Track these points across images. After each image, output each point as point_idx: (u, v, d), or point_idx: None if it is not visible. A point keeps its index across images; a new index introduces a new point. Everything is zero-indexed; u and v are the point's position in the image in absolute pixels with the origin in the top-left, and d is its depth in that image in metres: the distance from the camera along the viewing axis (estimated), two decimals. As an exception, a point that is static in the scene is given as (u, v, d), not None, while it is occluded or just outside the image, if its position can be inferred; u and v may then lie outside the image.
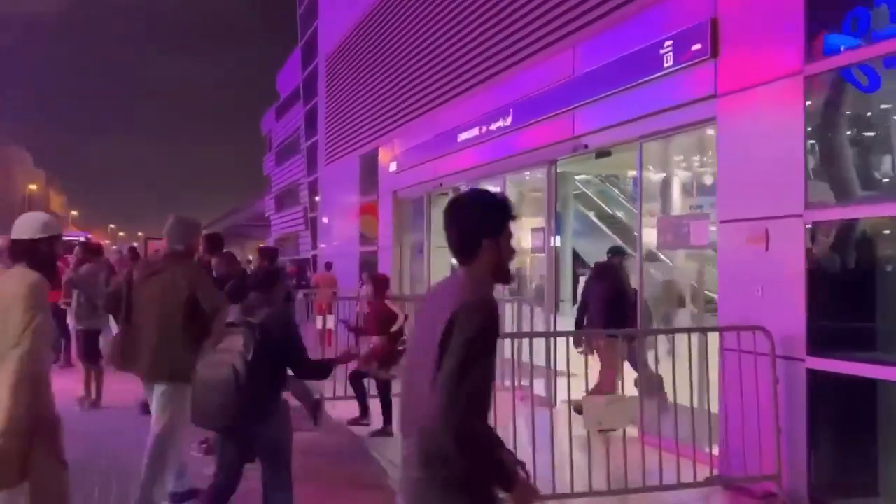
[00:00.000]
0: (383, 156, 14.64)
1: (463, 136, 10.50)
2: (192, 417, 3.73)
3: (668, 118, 6.42)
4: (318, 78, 21.23)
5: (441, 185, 11.73)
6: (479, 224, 2.05)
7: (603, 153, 7.87)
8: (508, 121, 9.12)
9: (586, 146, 7.72)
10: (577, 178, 11.47)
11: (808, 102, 4.94)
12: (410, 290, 13.54)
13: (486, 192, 2.30)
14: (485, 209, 2.09)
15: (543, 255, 8.76)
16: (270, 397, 3.65)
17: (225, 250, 6.50)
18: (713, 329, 5.45)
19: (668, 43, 6.23)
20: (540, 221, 9.03)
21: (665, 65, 6.25)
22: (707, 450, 5.26)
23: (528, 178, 9.93)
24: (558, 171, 8.68)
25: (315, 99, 21.77)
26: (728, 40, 5.67)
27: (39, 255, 2.89)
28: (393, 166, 13.81)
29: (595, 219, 12.29)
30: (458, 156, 10.84)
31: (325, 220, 21.33)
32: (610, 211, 12.39)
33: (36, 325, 2.66)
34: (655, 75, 6.41)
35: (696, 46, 5.90)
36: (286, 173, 43.61)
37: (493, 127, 9.53)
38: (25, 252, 2.87)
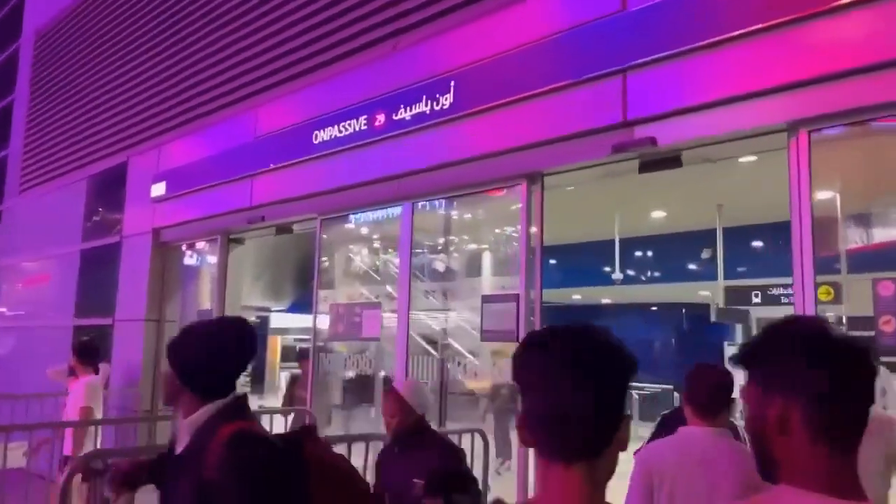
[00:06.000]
0: (136, 175, 9.34)
1: (325, 134, 6.18)
2: None
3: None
4: (17, 67, 14.60)
5: (263, 218, 7.09)
6: None
7: (679, 159, 4.29)
8: (447, 101, 5.14)
9: (654, 141, 4.11)
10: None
11: None
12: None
13: None
14: None
15: (515, 343, 4.80)
16: None
17: None
18: None
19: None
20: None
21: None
22: None
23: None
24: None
25: (10, 97, 14.93)
26: None
27: None
28: (157, 189, 8.66)
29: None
30: (309, 168, 6.45)
31: (11, 273, 14.19)
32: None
33: None
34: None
35: None
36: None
37: (406, 115, 5.45)
38: None
